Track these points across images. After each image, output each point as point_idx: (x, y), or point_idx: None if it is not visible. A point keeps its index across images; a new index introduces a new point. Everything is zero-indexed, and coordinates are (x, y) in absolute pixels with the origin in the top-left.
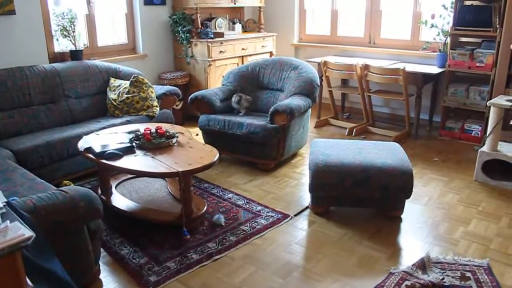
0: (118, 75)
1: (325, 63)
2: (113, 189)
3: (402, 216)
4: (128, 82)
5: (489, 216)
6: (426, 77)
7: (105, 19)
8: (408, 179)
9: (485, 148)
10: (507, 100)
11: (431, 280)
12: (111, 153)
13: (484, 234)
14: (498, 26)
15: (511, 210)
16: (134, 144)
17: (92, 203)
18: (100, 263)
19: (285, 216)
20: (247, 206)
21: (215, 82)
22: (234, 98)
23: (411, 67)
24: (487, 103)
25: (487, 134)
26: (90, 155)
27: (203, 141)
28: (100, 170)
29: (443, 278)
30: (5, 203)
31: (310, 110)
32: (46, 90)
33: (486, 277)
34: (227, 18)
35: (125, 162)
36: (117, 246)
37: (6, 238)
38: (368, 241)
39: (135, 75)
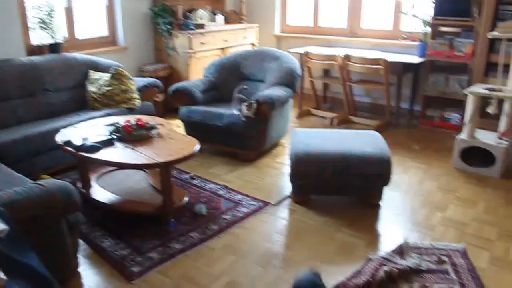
0: (97, 67)
1: (307, 53)
2: (93, 182)
3: (382, 203)
4: (108, 75)
5: (466, 202)
6: (407, 67)
7: (85, 11)
8: (386, 166)
9: (463, 136)
10: (485, 88)
11: (408, 265)
12: (91, 146)
13: (461, 219)
14: (476, 15)
15: (487, 195)
16: (113, 136)
17: (70, 195)
18: (80, 256)
19: (266, 204)
20: (228, 195)
21: (197, 74)
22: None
23: (392, 57)
24: (465, 92)
25: (465, 122)
26: (69, 148)
27: (184, 133)
28: (79, 163)
29: (420, 263)
30: None
31: (291, 100)
32: (24, 83)
33: (461, 260)
34: (209, 10)
35: (105, 155)
36: (98, 239)
37: None
38: (348, 228)
39: (115, 67)
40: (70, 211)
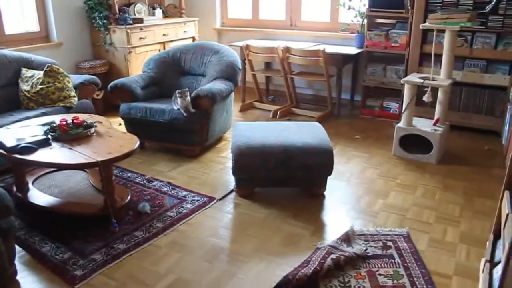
0: (30, 65)
1: (247, 46)
2: (30, 185)
3: (326, 193)
4: (41, 72)
5: (406, 188)
6: (346, 58)
7: (13, 5)
8: (328, 156)
9: (401, 124)
10: (419, 78)
11: (355, 251)
12: (25, 147)
13: (401, 205)
14: (409, 7)
15: (425, 181)
16: (49, 136)
17: (1, 200)
18: (17, 263)
19: (211, 199)
20: (173, 192)
21: (137, 70)
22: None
23: (331, 49)
24: (401, 81)
25: (403, 111)
26: (0, 151)
27: (126, 131)
28: (13, 166)
29: (366, 249)
30: None
31: (233, 94)
32: None
33: (405, 244)
34: (147, 3)
35: (41, 156)
36: (37, 244)
37: None
38: (293, 219)
39: (49, 64)
40: (1, 216)
